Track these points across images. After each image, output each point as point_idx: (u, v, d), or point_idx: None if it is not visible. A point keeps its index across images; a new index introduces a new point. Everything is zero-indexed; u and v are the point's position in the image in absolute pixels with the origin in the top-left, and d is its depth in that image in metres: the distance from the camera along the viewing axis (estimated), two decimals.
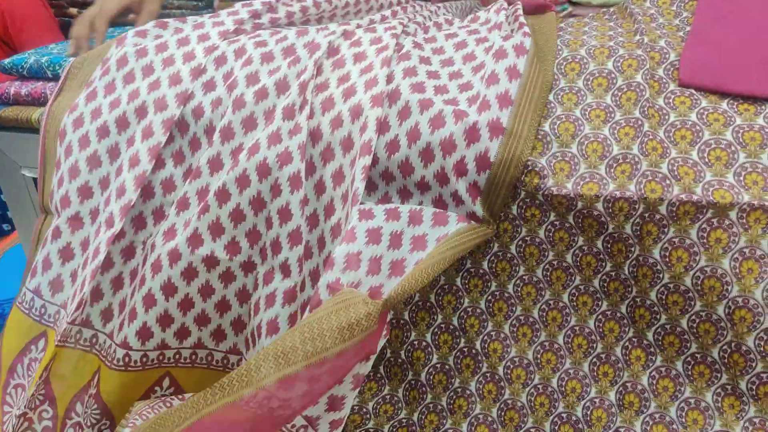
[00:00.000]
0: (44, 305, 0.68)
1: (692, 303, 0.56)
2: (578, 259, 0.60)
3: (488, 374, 0.61)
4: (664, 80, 0.61)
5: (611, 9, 0.80)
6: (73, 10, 2.23)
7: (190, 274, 0.62)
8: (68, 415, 0.66)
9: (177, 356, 0.65)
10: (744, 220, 0.53)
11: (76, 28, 0.83)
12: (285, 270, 0.62)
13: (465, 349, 0.62)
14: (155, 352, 0.64)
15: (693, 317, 0.56)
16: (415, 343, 0.63)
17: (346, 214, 0.60)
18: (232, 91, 0.65)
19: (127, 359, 0.63)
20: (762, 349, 0.53)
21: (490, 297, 0.61)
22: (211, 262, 0.62)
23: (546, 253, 0.60)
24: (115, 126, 0.67)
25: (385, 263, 0.55)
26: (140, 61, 0.69)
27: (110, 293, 0.67)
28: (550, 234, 0.60)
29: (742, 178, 0.53)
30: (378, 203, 0.59)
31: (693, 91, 0.60)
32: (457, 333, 0.62)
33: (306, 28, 0.72)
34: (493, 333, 0.61)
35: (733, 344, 0.54)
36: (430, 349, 0.63)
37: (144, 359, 0.64)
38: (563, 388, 0.59)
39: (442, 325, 0.62)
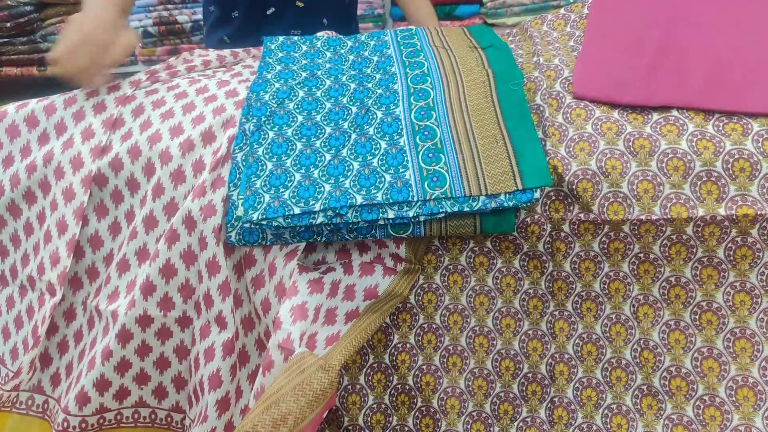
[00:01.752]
0: None
1: (603, 307, 0.62)
2: (498, 281, 0.65)
3: (476, 370, 0.66)
4: (562, 94, 0.67)
5: (514, 30, 0.87)
6: (50, 45, 2.16)
7: (125, 336, 0.66)
8: None
9: (119, 417, 0.69)
10: (636, 231, 0.59)
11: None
12: (221, 322, 0.66)
13: (450, 348, 0.67)
14: (94, 417, 0.67)
15: (605, 321, 0.62)
16: (399, 346, 0.67)
17: (269, 264, 0.64)
18: (154, 144, 0.68)
19: (66, 424, 0.67)
20: (667, 341, 0.60)
21: (470, 292, 0.67)
22: (145, 321, 0.66)
23: (469, 279, 0.65)
24: (39, 189, 0.71)
25: (340, 312, 0.63)
26: (51, 119, 0.73)
27: (57, 357, 0.72)
28: (470, 259, 0.65)
29: (635, 187, 0.59)
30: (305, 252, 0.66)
31: (587, 102, 0.66)
32: (440, 332, 0.67)
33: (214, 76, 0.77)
34: (503, 309, 0.66)
35: (641, 341, 0.61)
36: (415, 351, 0.67)
37: (83, 425, 0.67)
38: (524, 392, 0.64)
39: (425, 325, 0.67)
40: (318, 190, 0.60)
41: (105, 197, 0.70)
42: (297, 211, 0.59)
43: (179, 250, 0.65)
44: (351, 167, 0.62)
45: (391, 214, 0.59)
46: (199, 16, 2.12)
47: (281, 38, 0.82)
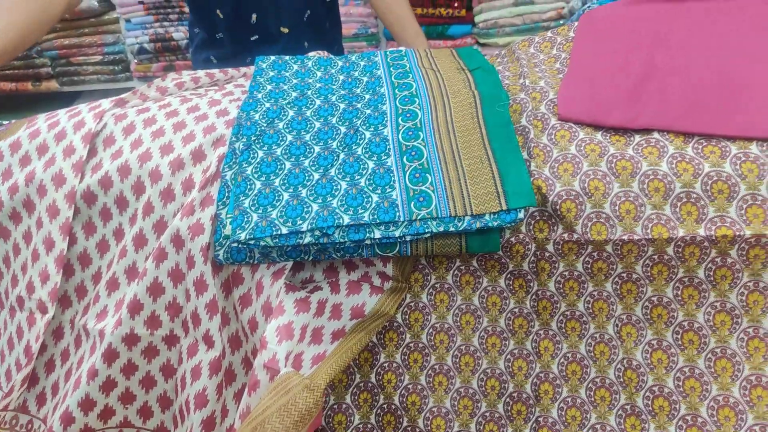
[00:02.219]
0: None
1: (587, 327, 0.63)
2: (484, 300, 0.65)
3: (462, 389, 0.67)
4: (547, 116, 0.68)
5: (503, 52, 0.88)
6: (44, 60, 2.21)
7: (111, 355, 0.66)
8: None
9: None
10: (619, 252, 0.60)
11: None
12: (208, 341, 0.66)
13: (436, 367, 0.67)
14: None
15: (589, 340, 0.63)
16: (385, 365, 0.67)
17: (256, 283, 0.65)
18: (145, 163, 0.68)
19: None
20: (650, 360, 0.61)
21: (456, 311, 0.68)
22: (131, 339, 0.66)
23: (455, 298, 0.66)
24: (24, 209, 0.71)
25: (327, 332, 0.63)
26: (33, 142, 0.73)
27: (44, 377, 0.72)
28: (457, 278, 0.66)
29: (617, 208, 0.60)
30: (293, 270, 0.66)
31: (572, 124, 0.67)
32: (426, 351, 0.67)
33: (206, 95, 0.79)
34: (489, 328, 0.67)
35: (624, 361, 0.61)
36: (401, 370, 0.67)
37: None
38: (509, 412, 0.64)
39: (411, 344, 0.67)
40: (306, 209, 0.61)
41: (93, 215, 0.70)
42: (284, 230, 0.59)
43: (167, 269, 0.65)
44: (339, 187, 0.63)
45: (377, 234, 0.59)
46: None
47: (272, 57, 0.83)
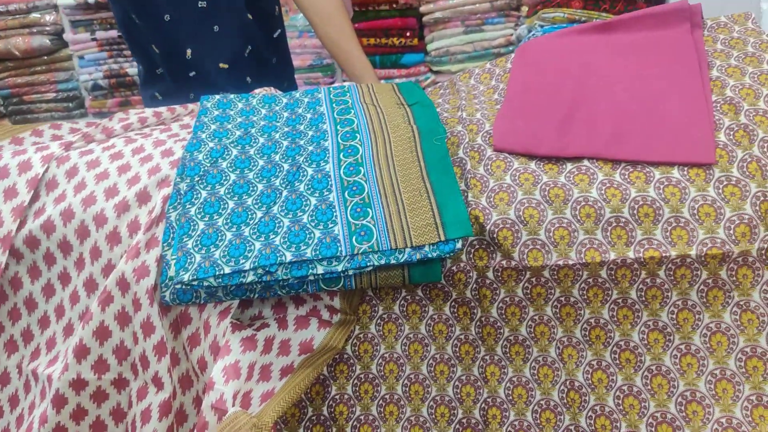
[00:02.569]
0: None
1: (530, 350, 0.65)
2: (431, 328, 0.67)
3: (412, 418, 0.67)
4: (483, 147, 0.71)
5: (445, 83, 0.91)
6: None
7: (59, 401, 0.65)
8: None
9: None
10: (556, 276, 0.62)
11: None
12: (157, 383, 0.66)
13: (387, 397, 0.68)
14: None
15: (533, 363, 0.65)
16: (337, 397, 0.67)
17: (204, 322, 0.65)
18: (89, 207, 0.68)
19: None
20: (590, 381, 0.62)
21: (404, 340, 0.69)
22: (79, 384, 0.65)
23: (403, 328, 0.68)
24: None
25: (275, 368, 0.63)
26: None
27: None
28: (403, 308, 0.67)
29: (552, 234, 0.62)
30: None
31: (507, 154, 0.69)
32: (377, 381, 0.68)
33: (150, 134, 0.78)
34: (437, 356, 0.68)
35: (567, 382, 0.63)
36: (352, 401, 0.67)
37: None
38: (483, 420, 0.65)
39: (361, 376, 0.68)
40: (248, 248, 0.62)
41: (38, 259, 0.69)
42: (227, 270, 0.60)
43: (113, 312, 0.65)
44: (281, 224, 0.64)
45: (320, 270, 0.60)
46: None
47: (217, 97, 0.84)
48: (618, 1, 1.54)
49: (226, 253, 0.61)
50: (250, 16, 1.12)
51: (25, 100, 2.22)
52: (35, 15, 2.12)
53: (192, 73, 1.12)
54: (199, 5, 1.08)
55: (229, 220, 0.65)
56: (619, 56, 0.80)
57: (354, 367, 0.68)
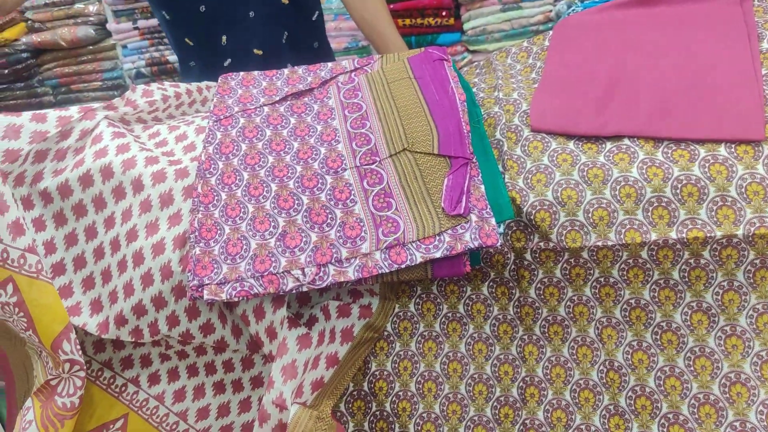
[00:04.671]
0: (5, 249, 0.67)
1: (569, 330, 0.64)
2: (469, 308, 0.67)
3: (450, 395, 0.68)
4: (520, 127, 0.70)
5: (481, 62, 0.90)
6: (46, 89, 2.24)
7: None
8: None
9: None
10: (595, 257, 0.62)
11: None
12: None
13: (425, 374, 0.69)
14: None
15: (572, 344, 0.65)
16: (377, 373, 0.69)
17: (254, 306, 0.65)
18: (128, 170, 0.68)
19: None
20: (631, 361, 0.62)
21: (443, 319, 0.69)
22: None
23: (441, 307, 0.68)
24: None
25: (322, 357, 0.65)
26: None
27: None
28: (442, 288, 0.67)
29: (590, 215, 0.61)
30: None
31: (544, 134, 0.68)
32: (416, 359, 0.69)
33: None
34: (475, 335, 0.68)
35: (606, 362, 0.63)
36: (392, 377, 0.69)
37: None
38: (497, 416, 0.66)
39: (401, 353, 0.69)
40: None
41: (66, 207, 0.69)
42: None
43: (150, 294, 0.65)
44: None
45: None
46: None
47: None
48: None
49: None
50: (285, 1, 1.12)
51: (73, 89, 2.29)
52: (79, 6, 2.18)
53: (227, 62, 1.12)
54: None
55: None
56: (662, 30, 0.77)
57: (394, 345, 0.69)
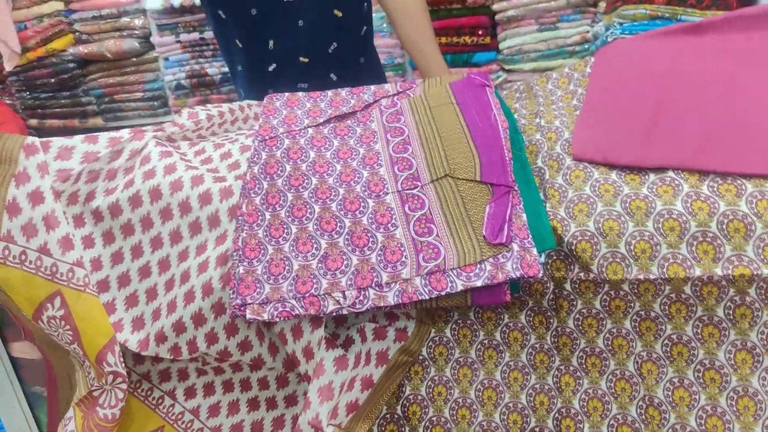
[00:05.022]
0: (55, 263, 0.69)
1: (607, 363, 0.64)
2: (506, 335, 0.67)
3: (484, 423, 0.68)
4: (562, 156, 0.70)
5: (521, 87, 0.90)
6: (33, 121, 2.36)
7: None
8: None
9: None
10: (636, 290, 0.61)
11: None
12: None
13: (459, 400, 0.69)
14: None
15: (610, 377, 0.64)
16: (411, 397, 0.69)
17: (291, 326, 0.67)
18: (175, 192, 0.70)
19: None
20: (671, 398, 0.62)
21: (479, 346, 0.69)
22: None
23: (477, 333, 0.68)
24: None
25: (357, 378, 0.66)
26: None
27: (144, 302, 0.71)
28: (479, 314, 0.67)
29: (632, 248, 0.61)
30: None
31: (586, 163, 0.68)
32: (450, 384, 0.69)
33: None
34: (511, 363, 0.69)
35: (646, 398, 0.62)
36: (426, 402, 0.69)
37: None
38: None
39: (435, 378, 0.69)
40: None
41: (114, 227, 0.71)
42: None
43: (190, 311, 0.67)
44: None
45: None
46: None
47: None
48: None
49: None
50: (338, 13, 1.13)
51: (116, 99, 2.36)
52: (125, 19, 2.26)
53: (272, 67, 1.14)
54: (285, 0, 1.10)
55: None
56: (709, 60, 0.76)
57: (429, 369, 0.70)
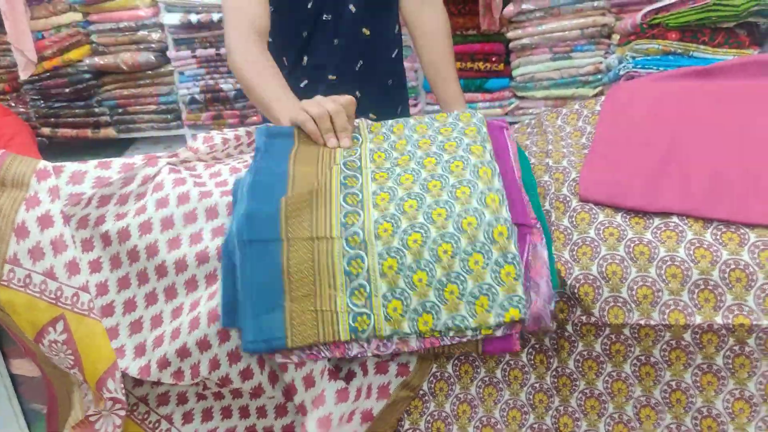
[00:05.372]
0: (60, 287, 0.71)
1: (606, 406, 0.65)
2: (506, 373, 0.68)
3: None
4: (568, 197, 0.72)
5: (533, 122, 0.92)
6: (46, 130, 2.41)
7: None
8: None
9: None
10: (636, 335, 0.62)
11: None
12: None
13: (484, 419, 0.70)
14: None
15: (608, 420, 0.65)
16: (435, 413, 0.70)
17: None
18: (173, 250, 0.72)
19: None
20: (699, 427, 0.62)
21: (479, 383, 0.71)
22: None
23: (479, 370, 0.69)
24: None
25: (357, 411, 0.68)
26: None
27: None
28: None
29: (634, 293, 0.62)
30: None
31: (592, 205, 0.70)
32: (449, 420, 0.71)
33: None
34: (510, 401, 0.70)
35: (673, 426, 0.63)
36: (450, 419, 0.70)
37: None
38: None
39: (435, 413, 0.71)
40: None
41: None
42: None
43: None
44: None
45: None
46: None
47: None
48: (718, 34, 1.48)
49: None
50: (366, 32, 1.15)
51: (129, 111, 2.40)
52: (143, 32, 2.30)
53: (303, 83, 1.17)
54: (324, 18, 1.12)
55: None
56: (719, 105, 0.78)
57: (428, 404, 0.71)
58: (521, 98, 2.10)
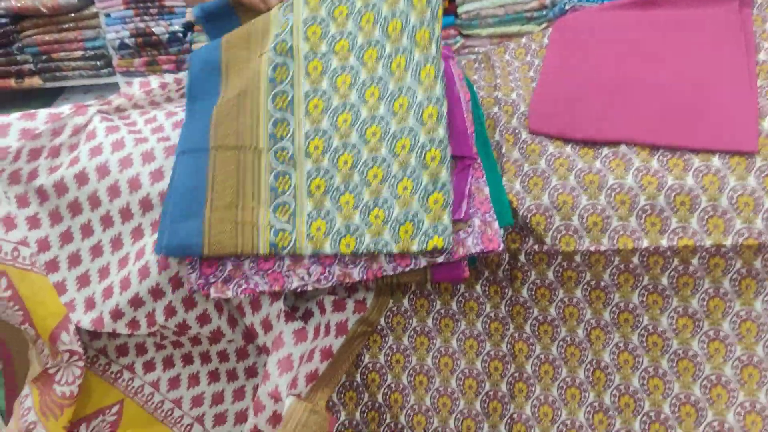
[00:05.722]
0: None
1: (558, 330, 0.67)
2: (462, 305, 0.69)
3: (441, 388, 0.71)
4: (518, 129, 0.71)
5: (480, 57, 0.91)
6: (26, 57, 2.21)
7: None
8: None
9: None
10: (587, 261, 0.64)
11: None
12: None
13: (417, 367, 0.71)
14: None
15: (560, 343, 0.67)
16: (369, 365, 0.71)
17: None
18: (125, 169, 0.68)
19: None
20: (616, 361, 0.65)
21: (435, 315, 0.72)
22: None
23: (434, 303, 0.70)
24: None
25: (317, 350, 0.67)
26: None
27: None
28: (436, 285, 0.69)
29: (585, 220, 0.63)
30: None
31: (543, 137, 0.70)
32: (408, 352, 0.72)
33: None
34: (467, 331, 0.71)
35: (593, 362, 0.67)
36: (384, 370, 0.71)
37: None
38: (486, 409, 0.70)
39: (393, 346, 0.71)
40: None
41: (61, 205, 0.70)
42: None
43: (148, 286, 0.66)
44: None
45: None
46: (176, 28, 2.14)
47: None
48: None
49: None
50: None
51: (54, 58, 2.24)
52: None
53: None
54: None
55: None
56: (663, 34, 0.79)
57: (387, 338, 0.72)
58: (467, 36, 2.07)
